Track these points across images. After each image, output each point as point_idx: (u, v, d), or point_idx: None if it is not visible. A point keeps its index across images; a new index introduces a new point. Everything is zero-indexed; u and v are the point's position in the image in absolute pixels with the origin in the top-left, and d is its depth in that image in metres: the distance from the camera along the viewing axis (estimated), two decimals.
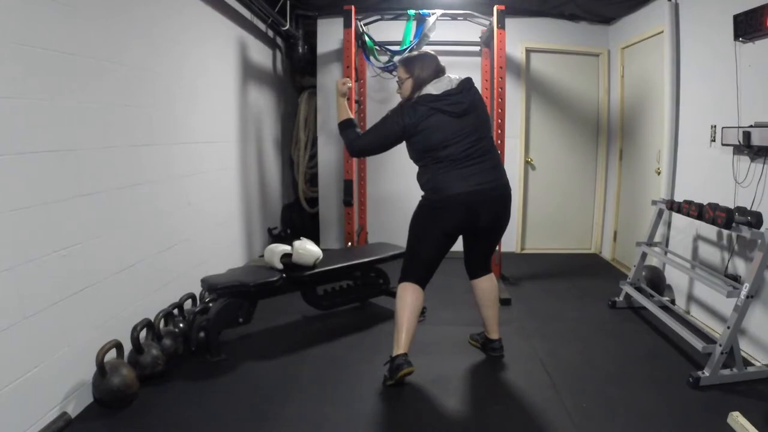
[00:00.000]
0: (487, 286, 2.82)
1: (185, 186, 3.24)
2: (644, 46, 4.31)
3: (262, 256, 3.17)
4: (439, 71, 2.58)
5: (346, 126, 2.68)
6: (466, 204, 2.50)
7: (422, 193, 2.64)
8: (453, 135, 2.48)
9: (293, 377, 2.63)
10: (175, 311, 2.88)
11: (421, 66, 2.56)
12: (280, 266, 2.98)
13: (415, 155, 2.60)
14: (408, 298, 2.55)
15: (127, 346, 2.44)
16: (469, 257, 2.83)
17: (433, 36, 4.35)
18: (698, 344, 2.62)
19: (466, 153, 2.49)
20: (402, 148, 2.67)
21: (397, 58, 4.40)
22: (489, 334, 2.86)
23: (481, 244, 2.77)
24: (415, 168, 2.65)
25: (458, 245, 2.75)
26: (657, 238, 3.56)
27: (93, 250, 2.30)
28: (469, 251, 2.81)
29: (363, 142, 2.62)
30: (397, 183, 5.17)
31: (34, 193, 1.96)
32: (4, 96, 1.81)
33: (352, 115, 2.73)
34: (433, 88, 2.50)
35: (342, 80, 2.78)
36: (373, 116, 5.08)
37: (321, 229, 5.37)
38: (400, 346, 2.50)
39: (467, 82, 2.56)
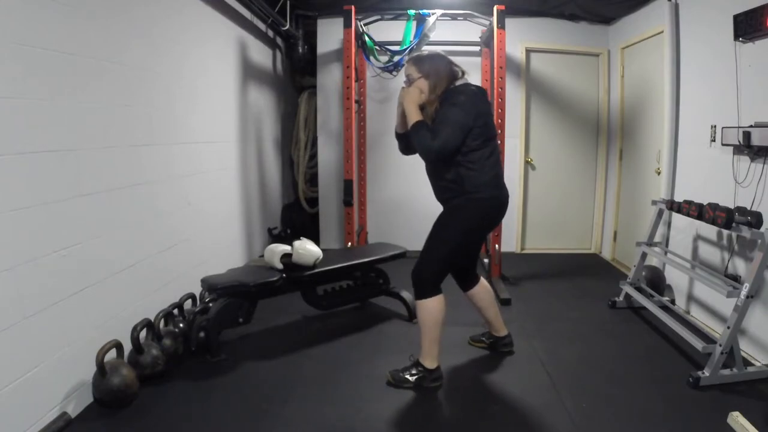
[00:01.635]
0: (482, 290, 2.81)
1: (185, 186, 3.24)
2: (644, 46, 4.31)
3: (262, 256, 3.17)
4: (457, 70, 2.49)
5: (420, 127, 2.36)
6: (505, 206, 2.52)
7: (430, 193, 2.57)
8: (494, 127, 2.48)
9: (293, 377, 2.63)
10: (175, 311, 2.88)
11: (439, 63, 2.44)
12: (280, 266, 2.98)
13: (472, 144, 2.36)
14: (443, 310, 2.49)
15: (127, 346, 2.44)
16: (461, 267, 2.76)
17: (433, 36, 4.35)
18: (698, 344, 2.62)
19: (495, 150, 2.50)
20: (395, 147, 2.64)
21: (397, 58, 4.40)
22: (498, 332, 2.87)
23: (479, 247, 2.77)
24: (417, 168, 2.60)
25: None
26: (657, 238, 3.56)
27: (93, 250, 2.30)
28: (467, 257, 2.76)
29: (443, 140, 2.29)
30: (397, 183, 5.17)
31: (34, 193, 1.96)
32: (4, 96, 1.81)
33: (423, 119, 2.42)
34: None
35: (414, 89, 2.45)
36: (373, 116, 5.10)
37: (321, 229, 5.37)
38: (436, 359, 2.54)
39: None
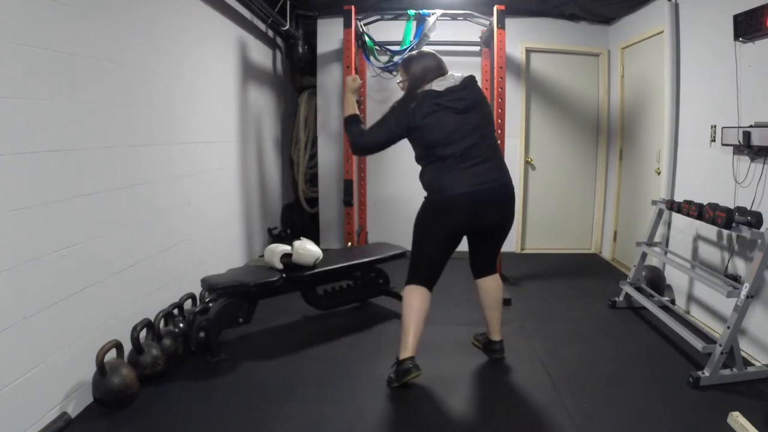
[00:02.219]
0: (491, 286, 2.81)
1: (185, 186, 3.24)
2: (644, 46, 4.31)
3: (262, 256, 3.17)
4: (441, 69, 2.56)
5: (351, 121, 2.63)
6: (470, 204, 2.48)
7: (425, 193, 2.61)
8: (456, 132, 2.45)
9: (293, 377, 2.63)
10: (175, 311, 2.88)
11: (419, 64, 2.57)
12: (280, 266, 2.98)
13: (418, 152, 2.57)
14: (415, 301, 2.53)
15: (127, 346, 2.44)
16: (474, 257, 2.82)
17: (433, 36, 4.35)
18: (698, 344, 2.62)
19: (469, 151, 2.47)
20: (403, 147, 2.65)
21: (397, 58, 4.40)
22: (491, 335, 2.86)
23: (486, 244, 2.76)
24: (417, 168, 2.62)
25: (463, 245, 2.71)
26: (657, 238, 3.56)
27: (93, 250, 2.30)
28: (475, 252, 2.79)
29: (368, 139, 2.57)
30: (397, 183, 5.17)
31: (34, 193, 1.96)
32: (4, 96, 1.81)
33: (358, 113, 2.69)
34: (437, 85, 2.49)
35: (353, 76, 2.75)
36: (374, 116, 5.06)
37: (321, 229, 5.37)
38: (408, 350, 2.48)
39: (470, 79, 2.56)
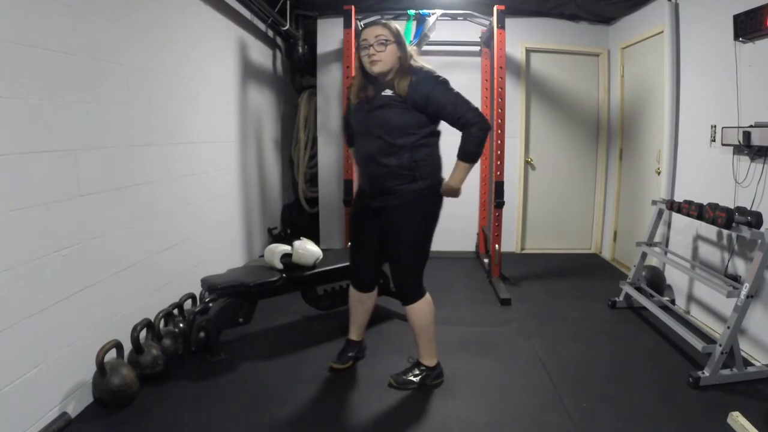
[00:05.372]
0: (372, 302, 2.72)
1: (185, 186, 3.24)
2: (644, 46, 4.31)
3: (262, 256, 3.17)
4: None
5: (465, 151, 2.30)
6: None
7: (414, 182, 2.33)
8: None
9: (293, 377, 2.63)
10: (175, 311, 2.88)
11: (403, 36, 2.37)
12: (280, 266, 2.98)
13: (431, 130, 2.32)
14: (433, 308, 2.50)
15: (127, 346, 2.44)
16: (380, 262, 2.65)
17: (433, 36, 4.35)
18: (698, 344, 2.62)
19: None
20: None
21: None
22: (360, 337, 2.77)
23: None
24: None
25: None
26: (657, 238, 3.56)
27: (93, 250, 2.30)
28: (383, 253, 2.56)
29: (472, 111, 2.23)
30: None
31: (34, 193, 1.96)
32: (4, 96, 1.81)
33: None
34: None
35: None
36: None
37: (321, 229, 5.37)
38: (436, 356, 2.57)
39: None
